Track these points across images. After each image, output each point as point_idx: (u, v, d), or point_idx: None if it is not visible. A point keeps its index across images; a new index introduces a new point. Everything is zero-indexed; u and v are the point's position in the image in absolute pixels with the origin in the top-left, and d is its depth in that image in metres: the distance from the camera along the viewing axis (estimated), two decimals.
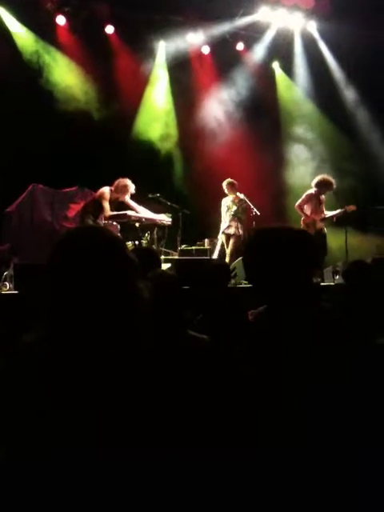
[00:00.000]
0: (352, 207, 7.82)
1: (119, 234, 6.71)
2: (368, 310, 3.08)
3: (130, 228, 7.14)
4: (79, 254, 1.36)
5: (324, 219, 7.96)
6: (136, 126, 9.57)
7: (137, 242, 7.10)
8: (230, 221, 8.07)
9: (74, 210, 8.61)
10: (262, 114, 10.01)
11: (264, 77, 10.42)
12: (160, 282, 2.20)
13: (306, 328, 1.65)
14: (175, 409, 1.40)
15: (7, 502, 1.25)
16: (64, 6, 8.82)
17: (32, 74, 8.73)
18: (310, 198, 7.93)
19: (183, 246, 8.24)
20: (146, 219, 7.15)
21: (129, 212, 7.07)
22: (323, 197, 8.01)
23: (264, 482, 1.53)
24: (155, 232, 7.48)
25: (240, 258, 6.76)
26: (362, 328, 2.08)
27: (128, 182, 7.12)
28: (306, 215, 7.89)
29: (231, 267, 5.61)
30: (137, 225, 7.11)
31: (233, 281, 5.63)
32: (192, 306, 3.50)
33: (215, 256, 7.99)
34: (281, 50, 10.30)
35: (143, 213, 7.24)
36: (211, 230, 8.77)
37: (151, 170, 9.18)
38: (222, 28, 9.66)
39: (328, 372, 1.58)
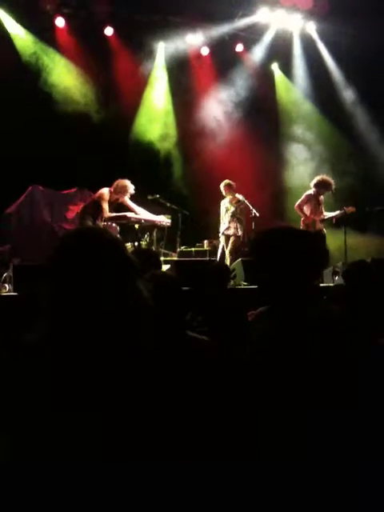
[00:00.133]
0: (351, 208, 7.82)
1: (118, 236, 6.71)
2: (370, 310, 3.08)
3: (130, 229, 7.14)
4: (79, 256, 1.36)
5: (323, 220, 7.97)
6: (135, 126, 9.58)
7: (136, 244, 7.09)
8: (229, 222, 8.06)
9: (74, 211, 8.61)
10: (261, 114, 10.02)
11: (263, 78, 10.44)
12: (160, 283, 2.20)
13: (309, 328, 1.65)
14: (176, 410, 1.39)
15: (8, 501, 1.25)
16: (63, 8, 8.82)
17: (31, 75, 8.73)
18: (309, 198, 7.93)
19: (183, 248, 8.24)
20: (145, 220, 7.14)
21: (128, 213, 7.06)
22: (322, 197, 8.02)
23: (264, 483, 1.52)
24: (154, 233, 7.48)
25: (239, 259, 6.75)
26: (364, 328, 2.08)
27: (127, 182, 7.11)
28: (305, 216, 7.89)
29: (231, 268, 5.61)
30: (136, 226, 7.10)
31: (232, 282, 5.62)
32: (192, 308, 3.49)
33: (217, 258, 7.99)
34: (280, 51, 10.31)
35: (142, 214, 7.22)
36: (210, 231, 8.77)
37: (150, 171, 9.19)
38: (221, 29, 9.67)
39: (332, 372, 1.58)
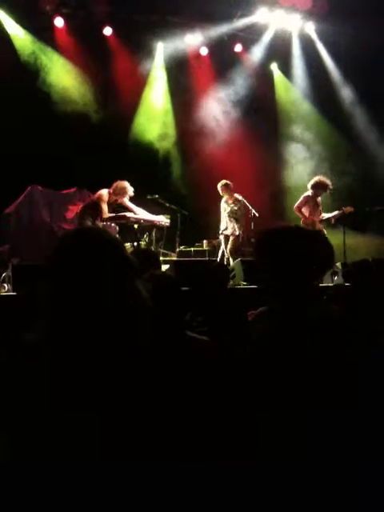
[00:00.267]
0: (349, 208, 7.83)
1: (118, 236, 6.70)
2: (371, 310, 3.08)
3: (129, 229, 7.13)
4: (78, 256, 1.36)
5: (322, 220, 7.98)
6: (134, 126, 9.58)
7: (135, 244, 7.09)
8: (228, 222, 8.07)
9: (73, 211, 8.61)
10: (260, 114, 10.02)
11: (262, 78, 10.45)
12: (159, 283, 2.19)
13: (309, 328, 1.65)
14: (175, 410, 1.39)
15: (8, 501, 1.25)
16: (62, 8, 8.82)
17: (30, 75, 8.73)
18: (307, 200, 7.94)
19: (182, 248, 8.24)
20: (144, 221, 7.13)
21: (127, 213, 7.05)
22: (319, 198, 8.03)
23: (264, 483, 1.52)
24: (154, 233, 7.47)
25: (239, 259, 6.75)
26: (364, 328, 2.08)
27: (126, 184, 7.09)
28: (304, 217, 7.90)
29: (230, 268, 5.61)
30: (135, 226, 7.09)
31: (231, 282, 5.62)
32: (192, 308, 3.49)
33: (218, 258, 7.99)
34: (279, 51, 10.32)
35: (141, 214, 7.21)
36: (210, 231, 8.77)
37: (149, 171, 9.19)
38: (220, 29, 9.68)
39: (332, 373, 1.58)
